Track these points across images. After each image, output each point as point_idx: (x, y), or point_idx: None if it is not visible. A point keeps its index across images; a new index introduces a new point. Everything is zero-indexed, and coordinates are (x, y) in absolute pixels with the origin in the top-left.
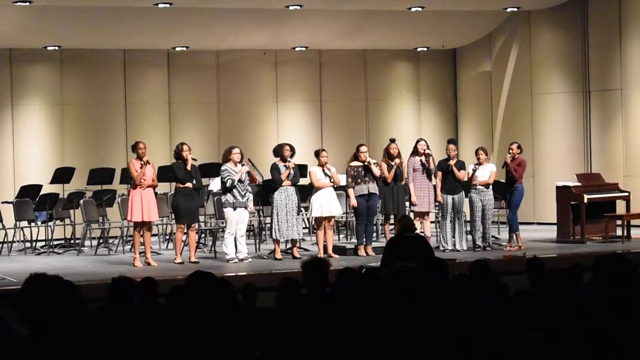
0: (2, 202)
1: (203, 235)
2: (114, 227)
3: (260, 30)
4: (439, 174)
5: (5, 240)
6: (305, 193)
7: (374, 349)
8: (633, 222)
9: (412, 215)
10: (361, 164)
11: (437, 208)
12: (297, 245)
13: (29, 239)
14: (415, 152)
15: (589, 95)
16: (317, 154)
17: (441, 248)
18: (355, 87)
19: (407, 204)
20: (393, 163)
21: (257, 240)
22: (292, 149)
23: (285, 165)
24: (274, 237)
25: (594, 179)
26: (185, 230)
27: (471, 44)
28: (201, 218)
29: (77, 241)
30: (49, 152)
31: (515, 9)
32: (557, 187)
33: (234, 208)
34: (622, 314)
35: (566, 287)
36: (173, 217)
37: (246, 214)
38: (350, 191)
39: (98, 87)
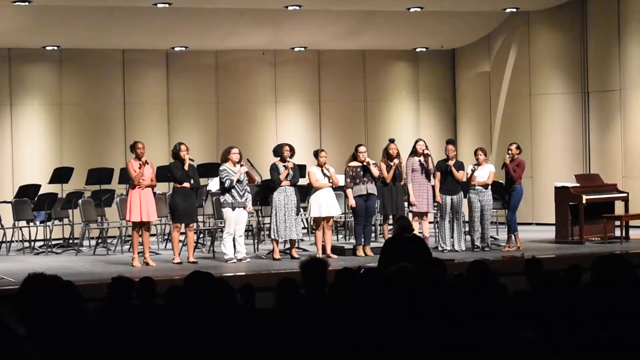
0: (1, 202)
1: (202, 235)
2: (113, 227)
3: (259, 30)
4: (438, 174)
5: (4, 240)
6: (305, 193)
7: (372, 349)
8: (632, 222)
9: (410, 215)
10: (360, 164)
11: (435, 208)
12: (296, 245)
13: (28, 238)
14: (414, 152)
15: (588, 96)
16: (316, 154)
17: (440, 248)
18: (354, 87)
19: (406, 204)
20: (392, 163)
21: (256, 241)
22: (292, 149)
23: (284, 166)
24: (273, 237)
25: (593, 179)
26: (182, 230)
27: (470, 45)
28: (200, 218)
29: (75, 241)
30: (48, 152)
31: (514, 10)
32: (556, 188)
33: (233, 208)
34: (621, 314)
35: (565, 288)
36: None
37: (245, 214)
38: (349, 191)
39: (97, 87)
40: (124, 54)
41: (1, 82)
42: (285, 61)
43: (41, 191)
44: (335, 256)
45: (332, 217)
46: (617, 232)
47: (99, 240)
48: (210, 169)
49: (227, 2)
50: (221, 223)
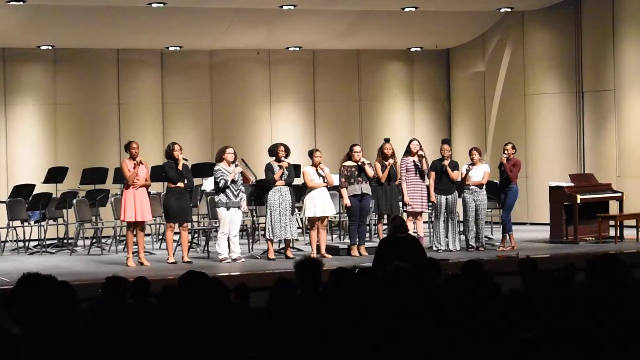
0: None
1: (196, 235)
2: (107, 226)
3: (253, 30)
4: (432, 174)
5: None
6: (300, 193)
7: (367, 348)
8: (626, 222)
9: (405, 215)
10: (354, 164)
11: (430, 208)
12: (291, 245)
13: (22, 238)
14: (408, 152)
15: (582, 96)
16: (311, 154)
17: (434, 248)
18: (349, 87)
19: (401, 204)
20: (387, 163)
21: (250, 240)
22: (287, 150)
23: (279, 165)
24: (268, 237)
25: (587, 179)
26: (176, 230)
27: (465, 45)
28: (194, 218)
29: (70, 241)
30: (42, 152)
31: (509, 10)
32: (550, 188)
33: (227, 208)
34: (615, 315)
35: (559, 288)
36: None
37: (239, 214)
38: (344, 191)
39: (91, 87)
40: (119, 53)
41: None
42: (280, 61)
43: (35, 191)
44: (329, 256)
45: (327, 217)
46: (612, 232)
47: (94, 240)
48: (205, 169)
49: (222, 1)
50: (216, 223)
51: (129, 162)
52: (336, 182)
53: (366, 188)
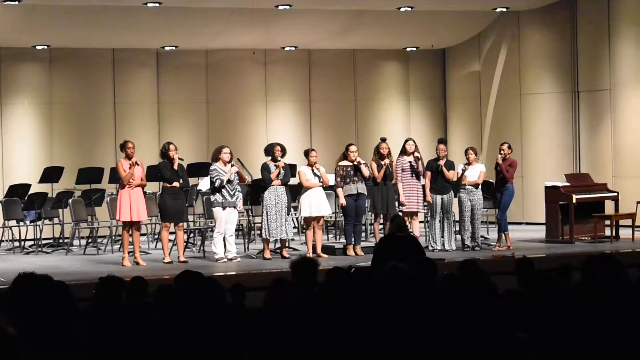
0: None
1: (192, 235)
2: (103, 226)
3: (249, 30)
4: (428, 173)
5: None
6: (295, 193)
7: (362, 348)
8: (622, 222)
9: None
10: (350, 163)
11: (426, 208)
12: (287, 245)
13: (18, 238)
14: (403, 152)
15: (578, 96)
16: (307, 153)
17: (430, 248)
18: (345, 87)
19: (397, 203)
20: (383, 163)
21: (246, 240)
22: (283, 149)
23: (275, 165)
24: (264, 236)
25: (583, 179)
26: (171, 230)
27: (460, 44)
28: (190, 218)
29: (65, 240)
30: (38, 152)
31: (505, 9)
32: (546, 187)
33: (224, 208)
34: (611, 315)
35: (555, 287)
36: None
37: (235, 213)
38: (339, 190)
39: (87, 87)
40: (114, 53)
41: None
42: (276, 61)
43: (31, 190)
44: (325, 256)
45: (323, 216)
46: (607, 232)
47: (89, 240)
48: (201, 169)
49: (218, 1)
50: (211, 222)
51: (125, 162)
52: (332, 182)
53: (362, 188)
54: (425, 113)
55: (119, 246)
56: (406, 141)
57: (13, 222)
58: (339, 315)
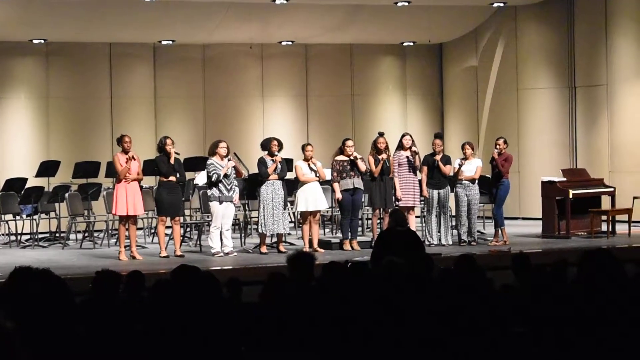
0: None
1: (188, 229)
2: (99, 220)
3: (246, 24)
4: (425, 168)
5: None
6: (292, 187)
7: (359, 342)
8: (618, 217)
9: None
10: (347, 158)
11: (422, 203)
12: (283, 239)
13: (14, 232)
14: (400, 146)
15: (575, 91)
16: (303, 148)
17: (427, 243)
18: (342, 81)
19: (393, 198)
20: (380, 158)
21: (243, 234)
22: (280, 144)
23: (272, 160)
24: (260, 231)
25: (580, 174)
26: (168, 224)
27: (457, 39)
28: (187, 212)
29: (62, 235)
30: (34, 145)
31: (502, 5)
32: (543, 182)
33: (220, 202)
34: (607, 309)
35: (552, 283)
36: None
37: (232, 208)
38: (336, 185)
39: (84, 81)
40: (111, 47)
41: None
42: (273, 55)
43: (28, 184)
44: (322, 250)
45: (319, 211)
46: (604, 227)
47: (86, 234)
48: (198, 163)
49: None
50: (208, 217)
51: (121, 156)
52: (328, 177)
53: (358, 182)
54: (422, 108)
55: (115, 240)
56: (403, 136)
57: (9, 216)
58: (336, 310)
